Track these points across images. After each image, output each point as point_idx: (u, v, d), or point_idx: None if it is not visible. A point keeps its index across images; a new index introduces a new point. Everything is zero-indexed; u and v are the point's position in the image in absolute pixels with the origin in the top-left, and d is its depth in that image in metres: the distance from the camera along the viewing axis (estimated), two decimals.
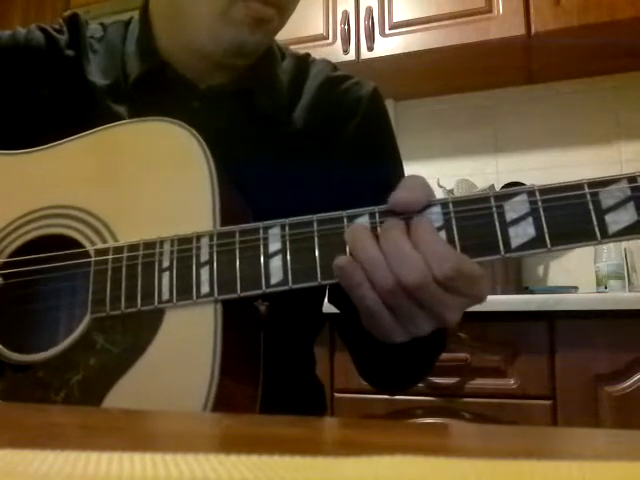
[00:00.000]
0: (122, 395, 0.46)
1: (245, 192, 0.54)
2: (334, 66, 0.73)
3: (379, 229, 0.44)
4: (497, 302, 1.39)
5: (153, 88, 0.63)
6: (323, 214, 0.46)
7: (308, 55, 0.74)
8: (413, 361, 0.60)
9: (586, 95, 1.92)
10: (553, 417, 1.34)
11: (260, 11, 0.58)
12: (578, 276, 1.77)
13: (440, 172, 1.98)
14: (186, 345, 0.46)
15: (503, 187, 1.85)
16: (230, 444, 0.28)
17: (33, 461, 0.20)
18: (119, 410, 0.43)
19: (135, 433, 0.32)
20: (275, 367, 0.52)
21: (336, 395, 1.38)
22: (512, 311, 1.38)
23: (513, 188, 0.44)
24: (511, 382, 1.38)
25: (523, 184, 1.82)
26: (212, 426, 0.37)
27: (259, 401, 0.50)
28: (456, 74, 1.92)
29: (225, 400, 0.44)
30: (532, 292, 1.67)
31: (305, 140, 0.66)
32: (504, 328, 1.40)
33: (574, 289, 1.68)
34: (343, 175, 0.66)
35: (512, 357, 1.39)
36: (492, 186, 1.82)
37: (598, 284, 1.69)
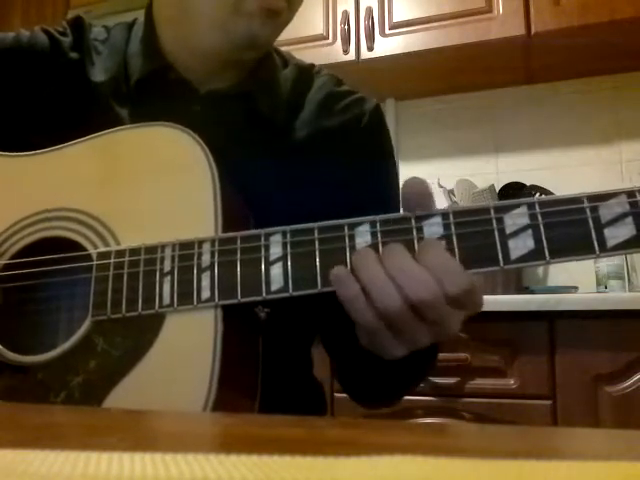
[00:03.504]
0: (121, 398, 0.46)
1: (245, 196, 0.55)
2: (338, 79, 0.73)
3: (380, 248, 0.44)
4: (497, 302, 1.38)
5: (154, 90, 0.63)
6: (324, 222, 0.46)
7: (313, 66, 0.74)
8: (404, 374, 0.59)
9: (586, 95, 1.92)
10: (553, 417, 1.33)
11: (272, 2, 0.58)
12: (578, 276, 1.77)
13: (440, 172, 1.97)
14: (186, 349, 0.46)
15: (503, 187, 1.85)
16: (230, 444, 0.28)
17: (33, 461, 0.20)
18: (119, 410, 0.43)
19: (135, 433, 0.32)
20: (274, 369, 0.52)
21: (336, 395, 1.38)
22: (512, 311, 1.37)
23: (513, 200, 0.45)
24: (511, 382, 1.38)
25: (523, 184, 1.82)
26: (212, 426, 0.37)
27: (257, 407, 0.50)
28: (456, 74, 1.91)
29: (223, 405, 0.44)
30: (532, 292, 1.67)
31: (306, 148, 0.66)
32: (504, 328, 1.39)
33: (574, 289, 1.68)
34: (342, 184, 0.66)
35: (512, 357, 1.39)
36: (492, 186, 1.82)
37: (598, 284, 1.69)
